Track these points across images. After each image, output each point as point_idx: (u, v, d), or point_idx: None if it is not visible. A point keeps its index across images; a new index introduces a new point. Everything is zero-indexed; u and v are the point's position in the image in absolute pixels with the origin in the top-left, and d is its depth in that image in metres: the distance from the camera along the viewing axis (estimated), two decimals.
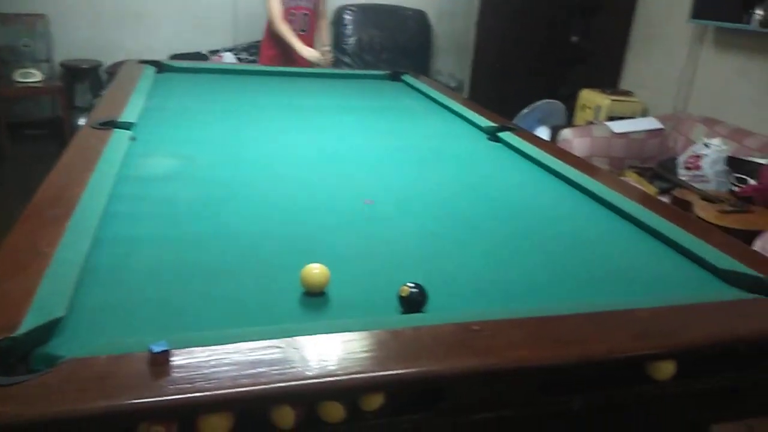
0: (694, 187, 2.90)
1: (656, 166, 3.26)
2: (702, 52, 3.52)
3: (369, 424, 0.92)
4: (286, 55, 3.75)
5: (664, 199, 2.93)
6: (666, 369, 1.05)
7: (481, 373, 0.94)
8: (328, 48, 3.77)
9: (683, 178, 3.01)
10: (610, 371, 1.06)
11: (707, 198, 2.75)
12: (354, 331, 0.97)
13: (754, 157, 2.95)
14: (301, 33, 3.76)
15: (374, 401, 0.91)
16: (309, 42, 3.79)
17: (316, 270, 1.14)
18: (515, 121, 4.24)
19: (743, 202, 2.72)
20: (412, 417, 0.95)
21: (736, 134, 3.14)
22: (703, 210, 2.62)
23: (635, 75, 4.05)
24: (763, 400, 1.21)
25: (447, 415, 0.96)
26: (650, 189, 3.10)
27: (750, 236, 2.36)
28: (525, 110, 4.10)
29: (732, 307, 1.16)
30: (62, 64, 4.53)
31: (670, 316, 1.10)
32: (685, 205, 2.71)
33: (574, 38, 4.69)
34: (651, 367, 1.05)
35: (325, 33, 3.93)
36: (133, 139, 1.96)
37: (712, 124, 3.28)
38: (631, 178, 3.27)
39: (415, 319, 1.06)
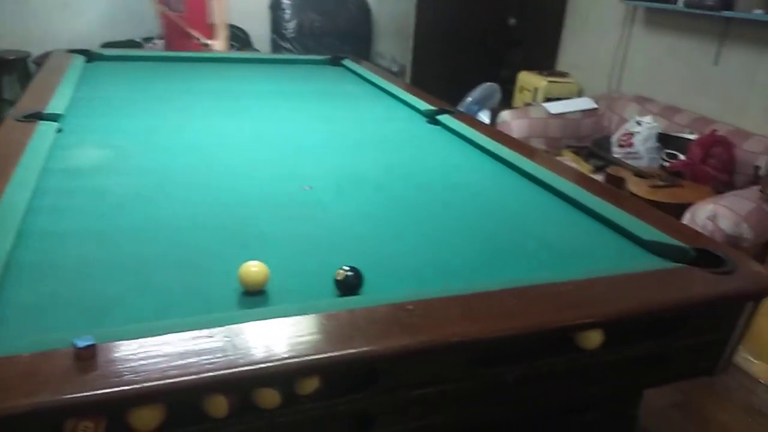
0: (627, 164, 3.00)
1: (591, 144, 3.35)
2: (633, 33, 3.62)
3: (305, 408, 0.92)
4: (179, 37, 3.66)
5: (599, 176, 3.01)
6: (594, 338, 1.09)
7: (414, 351, 0.95)
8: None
9: (617, 156, 3.11)
10: (540, 342, 1.09)
11: (640, 174, 2.85)
12: (287, 316, 0.97)
13: (683, 133, 3.07)
14: (179, 13, 3.65)
15: (309, 385, 0.91)
16: (198, 22, 3.66)
17: (254, 268, 1.11)
18: (460, 105, 4.28)
19: (674, 176, 2.83)
20: (350, 398, 0.96)
21: (666, 111, 3.26)
22: (635, 186, 2.71)
23: (571, 56, 4.14)
24: (689, 365, 1.28)
25: (384, 394, 0.97)
26: (585, 167, 3.19)
27: (681, 209, 2.46)
28: (468, 95, 4.14)
29: (655, 276, 1.21)
30: None
31: (595, 287, 1.15)
32: (619, 182, 2.80)
33: (512, 21, 4.75)
34: (579, 337, 1.09)
35: (218, 14, 3.77)
36: (59, 130, 1.89)
37: (644, 103, 3.39)
38: (568, 158, 3.35)
39: (350, 301, 1.06)
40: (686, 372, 1.30)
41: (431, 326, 0.99)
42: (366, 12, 5.05)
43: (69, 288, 1.08)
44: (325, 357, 0.89)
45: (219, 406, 0.87)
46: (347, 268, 1.13)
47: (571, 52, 4.14)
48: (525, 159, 1.89)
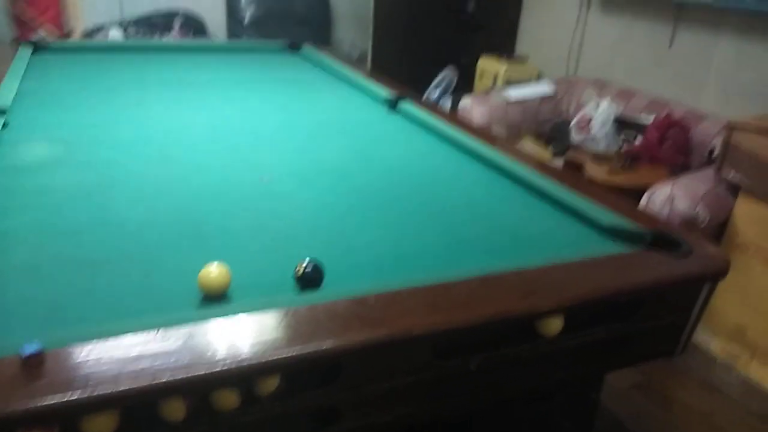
0: (586, 148, 3.03)
1: (550, 129, 3.38)
2: (589, 16, 3.65)
3: (266, 407, 0.91)
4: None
5: (559, 161, 3.04)
6: (554, 325, 1.09)
7: (376, 344, 0.94)
8: None
9: (575, 141, 3.14)
10: (503, 331, 1.09)
11: (598, 158, 2.88)
12: (245, 314, 0.94)
13: (640, 116, 3.11)
14: None
15: (269, 385, 0.89)
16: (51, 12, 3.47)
17: (213, 275, 1.05)
18: (428, 92, 4.26)
19: (631, 160, 2.87)
20: (312, 395, 0.94)
21: (623, 95, 3.29)
22: (594, 170, 2.74)
23: (530, 40, 4.16)
24: (650, 347, 1.30)
25: (348, 389, 0.96)
26: (545, 153, 3.21)
27: (639, 192, 2.49)
28: (434, 82, 4.13)
29: (612, 261, 1.22)
30: None
31: (555, 273, 1.15)
32: (578, 167, 2.83)
33: (471, 5, 4.74)
34: (540, 324, 1.09)
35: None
36: (4, 125, 1.81)
37: (601, 86, 3.43)
38: (529, 143, 3.37)
39: (310, 297, 1.04)
40: (647, 354, 1.32)
41: (393, 319, 0.97)
42: None
43: (13, 292, 1.03)
44: (285, 356, 0.87)
45: (176, 409, 0.84)
46: (307, 262, 1.11)
47: (529, 36, 4.16)
48: (484, 145, 1.88)
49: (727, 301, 2.37)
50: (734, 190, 2.30)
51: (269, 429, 0.94)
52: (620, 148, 2.97)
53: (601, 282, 1.14)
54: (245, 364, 0.84)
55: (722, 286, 2.35)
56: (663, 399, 2.19)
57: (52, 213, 1.32)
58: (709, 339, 2.45)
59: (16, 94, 2.12)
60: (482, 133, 2.08)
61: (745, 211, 2.26)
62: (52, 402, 0.76)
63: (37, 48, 2.90)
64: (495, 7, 4.54)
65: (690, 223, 2.26)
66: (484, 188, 1.67)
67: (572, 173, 1.75)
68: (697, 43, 3.06)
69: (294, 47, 3.40)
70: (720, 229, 2.36)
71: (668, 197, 2.27)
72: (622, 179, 2.70)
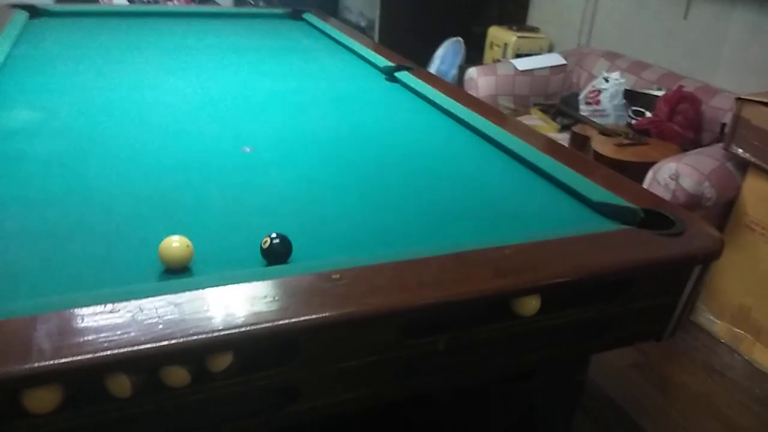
0: (594, 122, 2.94)
1: (559, 102, 3.28)
2: None
3: (219, 385, 0.87)
4: None
5: (566, 135, 2.96)
6: (530, 305, 1.05)
7: (336, 322, 0.90)
8: None
9: (584, 114, 3.05)
10: (476, 309, 1.05)
11: (605, 132, 2.79)
12: (202, 288, 0.91)
13: (651, 89, 3.01)
14: None
15: (222, 361, 0.86)
16: None
17: (175, 245, 1.01)
18: (431, 62, 4.17)
19: (640, 134, 2.77)
20: (269, 373, 0.91)
21: (635, 67, 3.18)
22: (600, 144, 2.66)
23: (542, 11, 4.03)
24: (636, 329, 1.24)
25: (307, 368, 0.92)
26: (553, 126, 3.13)
27: (646, 168, 2.41)
28: (438, 51, 4.03)
29: (596, 239, 1.16)
30: None
31: (534, 251, 1.10)
32: (584, 140, 2.75)
33: None
34: (515, 303, 1.04)
35: None
36: None
37: (613, 58, 3.31)
38: (536, 115, 3.28)
39: (273, 271, 1.01)
40: (633, 336, 1.27)
41: (357, 296, 0.93)
42: None
43: None
44: (236, 332, 0.83)
45: (121, 385, 0.81)
46: (275, 235, 1.07)
47: (542, 6, 4.03)
48: (480, 118, 1.82)
49: (732, 281, 2.31)
50: (743, 167, 2.22)
51: (223, 408, 0.91)
52: (629, 122, 2.87)
53: (581, 261, 1.09)
54: (192, 340, 0.81)
55: (727, 266, 2.30)
56: (661, 380, 2.14)
57: (21, 182, 1.29)
58: (712, 320, 2.39)
59: (6, 58, 2.08)
60: (479, 104, 2.01)
61: (753, 189, 2.18)
62: None
63: (35, 12, 2.86)
64: None
65: (696, 200, 2.19)
66: (477, 162, 1.61)
67: (568, 148, 1.68)
68: (712, 14, 2.93)
69: (296, 15, 3.32)
70: (727, 207, 2.28)
71: (673, 174, 2.19)
72: (629, 154, 2.61)
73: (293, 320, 0.87)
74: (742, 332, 2.29)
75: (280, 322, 0.86)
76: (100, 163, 1.40)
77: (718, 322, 2.37)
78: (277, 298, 0.91)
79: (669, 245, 1.16)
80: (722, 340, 2.35)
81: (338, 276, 0.97)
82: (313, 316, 0.88)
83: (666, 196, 2.21)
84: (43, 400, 0.78)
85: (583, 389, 1.46)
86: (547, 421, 1.46)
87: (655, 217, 1.27)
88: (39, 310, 0.83)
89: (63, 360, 0.76)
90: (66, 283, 0.96)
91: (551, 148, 1.65)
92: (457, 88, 2.17)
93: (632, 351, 2.23)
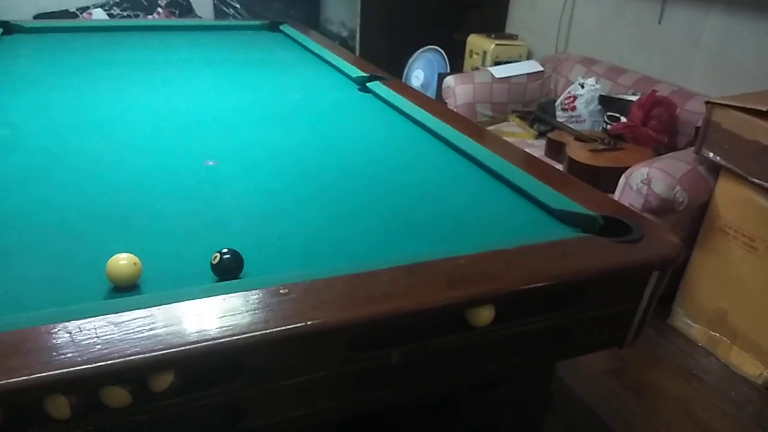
0: (570, 128, 2.95)
1: (536, 108, 3.29)
2: None
3: (160, 405, 0.86)
4: None
5: (543, 141, 2.97)
6: (483, 315, 1.04)
7: (281, 338, 0.89)
8: None
9: (560, 120, 3.06)
10: (428, 322, 1.04)
11: (581, 138, 2.80)
12: (144, 307, 0.90)
13: (627, 94, 3.02)
14: None
15: (163, 381, 0.85)
16: None
17: (122, 263, 1.01)
18: (405, 70, 4.18)
19: (615, 139, 2.78)
20: (212, 391, 0.90)
21: (611, 72, 3.20)
22: (575, 150, 2.66)
23: (520, 18, 4.05)
24: (596, 336, 1.24)
25: (252, 385, 0.92)
26: (530, 132, 3.13)
27: (621, 173, 2.42)
28: (411, 59, 4.04)
29: (553, 247, 1.16)
30: None
31: (488, 261, 1.09)
32: (560, 147, 2.75)
33: None
34: (469, 314, 1.04)
35: None
36: None
37: (590, 64, 3.33)
38: (514, 122, 3.29)
39: (223, 287, 1.00)
40: (594, 344, 1.27)
41: (303, 310, 0.92)
42: None
43: None
44: (175, 350, 0.82)
45: (60, 407, 0.80)
46: (225, 250, 1.06)
47: (519, 13, 4.05)
48: (447, 127, 1.82)
49: (708, 285, 2.31)
50: (715, 170, 2.23)
51: (168, 428, 0.90)
52: (605, 127, 2.88)
53: (534, 270, 1.08)
54: (131, 359, 0.80)
55: (702, 270, 2.31)
56: (638, 385, 2.14)
57: None
58: (689, 324, 2.39)
59: None
60: (448, 113, 2.01)
61: (725, 193, 2.18)
62: None
63: (9, 29, 2.85)
64: None
65: (668, 205, 2.19)
66: (442, 172, 1.61)
67: (535, 157, 1.68)
68: (686, 19, 2.95)
69: (274, 26, 3.33)
70: (701, 211, 2.28)
71: (645, 179, 2.20)
72: (604, 160, 2.62)
73: (235, 337, 0.86)
74: (719, 336, 2.29)
75: (222, 340, 0.85)
76: (60, 181, 1.39)
77: (695, 325, 2.37)
78: (221, 315, 0.90)
79: (624, 252, 1.16)
80: (699, 344, 2.35)
81: (286, 291, 0.96)
82: (257, 333, 0.88)
83: (638, 200, 2.22)
84: None
85: (551, 398, 1.45)
86: (515, 431, 1.45)
87: (615, 224, 1.27)
88: None
89: None
90: (9, 304, 0.95)
91: (517, 157, 1.65)
92: (427, 98, 2.17)
93: (608, 356, 2.22)
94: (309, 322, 0.91)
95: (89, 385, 0.81)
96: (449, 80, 3.34)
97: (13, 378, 0.76)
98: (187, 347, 0.84)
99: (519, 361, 1.18)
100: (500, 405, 1.37)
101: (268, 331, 0.88)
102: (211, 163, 1.55)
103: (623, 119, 2.82)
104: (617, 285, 1.18)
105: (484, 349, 1.11)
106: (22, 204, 1.28)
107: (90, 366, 0.79)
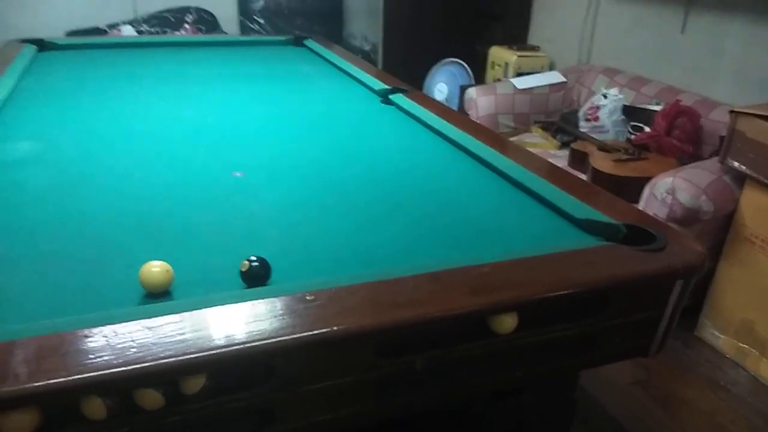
0: (593, 138, 2.94)
1: (559, 119, 3.29)
2: (601, 3, 3.54)
3: (191, 408, 0.89)
4: None
5: (566, 152, 2.97)
6: (506, 322, 1.05)
7: (307, 343, 0.91)
8: None
9: (583, 130, 3.05)
10: (453, 328, 1.06)
11: (604, 148, 2.79)
12: (177, 312, 0.93)
13: (650, 104, 3.01)
14: None
15: (194, 384, 0.87)
16: None
17: (155, 269, 1.04)
18: (426, 83, 4.21)
19: (639, 149, 2.77)
20: (243, 395, 0.92)
21: (634, 82, 3.19)
22: (598, 160, 2.66)
23: (541, 29, 4.06)
24: (620, 345, 1.24)
25: (281, 389, 0.94)
26: (553, 143, 3.14)
27: (645, 183, 2.41)
28: (432, 72, 4.08)
29: (576, 255, 1.17)
30: None
31: (511, 269, 1.10)
32: (583, 157, 2.75)
33: None
34: (492, 321, 1.05)
35: None
36: None
37: (612, 74, 3.33)
38: (537, 133, 3.29)
39: (251, 293, 1.02)
40: (618, 353, 1.26)
41: (329, 316, 0.95)
42: None
43: None
44: (206, 354, 0.85)
45: (96, 408, 0.83)
46: (254, 258, 1.09)
47: (542, 24, 4.06)
48: (470, 137, 1.84)
49: (735, 295, 2.28)
50: (740, 180, 2.21)
51: (201, 429, 0.92)
52: (628, 137, 2.87)
53: (557, 278, 1.09)
54: (164, 362, 0.83)
55: (729, 281, 2.28)
56: (665, 397, 2.12)
57: (14, 211, 1.32)
58: (716, 335, 2.36)
59: (11, 91, 2.15)
60: (470, 124, 2.03)
61: (751, 202, 2.16)
62: None
63: (43, 46, 2.94)
64: None
65: (693, 215, 2.18)
66: (465, 181, 1.62)
67: (556, 166, 1.69)
68: (710, 28, 2.94)
69: (298, 41, 3.38)
70: (726, 221, 2.26)
71: (670, 188, 2.19)
72: (628, 170, 2.61)
73: (264, 342, 0.89)
74: (747, 347, 2.26)
75: (251, 344, 0.88)
76: (93, 192, 1.44)
77: (723, 337, 2.34)
78: (249, 321, 0.92)
79: (648, 260, 1.16)
80: (727, 355, 2.32)
81: (312, 297, 0.99)
82: (284, 338, 0.90)
83: (663, 210, 2.21)
84: (20, 423, 0.80)
85: (576, 406, 1.45)
86: None
87: (638, 232, 1.27)
88: (17, 336, 0.86)
89: (38, 384, 0.79)
90: (49, 309, 0.98)
91: (539, 166, 1.66)
92: (449, 109, 2.19)
93: (635, 367, 2.21)
94: (334, 328, 0.93)
95: (124, 387, 0.84)
96: (471, 92, 3.36)
97: (52, 379, 0.79)
98: (218, 351, 0.86)
99: (543, 369, 1.18)
100: (525, 413, 1.37)
101: (295, 336, 0.90)
102: (238, 174, 1.59)
103: (647, 129, 2.81)
104: (641, 293, 1.18)
105: (508, 357, 1.12)
106: (59, 214, 1.32)
107: (125, 368, 0.82)
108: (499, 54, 3.97)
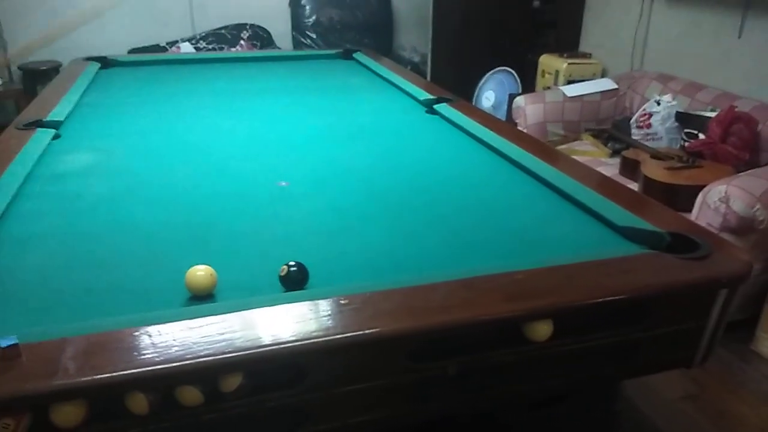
0: (646, 146, 2.88)
1: (611, 126, 3.23)
2: (654, 9, 3.47)
3: (231, 405, 0.93)
4: None
5: (616, 160, 2.91)
6: (541, 330, 1.05)
7: (341, 345, 0.94)
8: None
9: (636, 137, 2.99)
10: (487, 335, 1.06)
11: (657, 156, 2.72)
12: (217, 314, 0.97)
13: (706, 110, 2.92)
14: None
15: (232, 382, 0.91)
16: None
17: (200, 273, 1.09)
18: (476, 92, 4.21)
19: (694, 157, 2.70)
20: (278, 395, 0.95)
21: (689, 89, 3.11)
22: (651, 168, 2.59)
23: (593, 36, 4.00)
24: (662, 355, 1.22)
25: (314, 390, 0.97)
26: (604, 150, 3.08)
27: (699, 191, 2.34)
28: (481, 81, 4.07)
29: (614, 263, 1.16)
30: (20, 68, 4.50)
31: (547, 276, 1.10)
32: (635, 165, 2.69)
33: (536, 2, 4.63)
34: (527, 328, 1.05)
35: None
36: (57, 137, 1.96)
37: (666, 81, 3.25)
38: (587, 141, 3.24)
39: (289, 297, 1.06)
40: (659, 363, 1.24)
41: (362, 320, 0.97)
42: (386, 4, 5.02)
43: (20, 288, 1.11)
44: (242, 353, 0.89)
45: (139, 403, 0.88)
46: (292, 263, 1.13)
47: (593, 32, 4.00)
48: (513, 146, 1.84)
49: None
50: None
51: (236, 428, 0.96)
52: (682, 144, 2.80)
53: (593, 285, 1.08)
54: (203, 360, 0.87)
55: None
56: (717, 413, 2.04)
57: (73, 218, 1.41)
58: None
59: (75, 107, 2.28)
60: (514, 133, 2.03)
61: None
62: (21, 390, 0.82)
63: (106, 63, 3.10)
64: (560, 3, 4.41)
65: (747, 223, 2.10)
66: (506, 191, 1.63)
67: (599, 173, 1.67)
68: (767, 33, 2.84)
69: (347, 54, 3.44)
70: None
71: (723, 196, 2.12)
72: (681, 178, 2.54)
73: (299, 343, 0.92)
74: None
75: (286, 345, 0.91)
76: (146, 200, 1.51)
77: None
78: (285, 322, 0.96)
79: (689, 269, 1.14)
80: None
81: (347, 301, 1.01)
82: (318, 339, 0.93)
83: (717, 219, 2.14)
84: (68, 415, 0.86)
85: (619, 419, 1.43)
86: None
87: (683, 241, 1.24)
88: (68, 333, 0.92)
89: (84, 378, 0.84)
90: (101, 309, 1.05)
91: (584, 174, 1.65)
92: (493, 118, 2.19)
93: (685, 381, 2.14)
94: (367, 331, 0.95)
95: (166, 383, 0.88)
96: (519, 100, 3.34)
97: (98, 375, 0.84)
98: (255, 350, 0.90)
99: (580, 378, 1.17)
100: (561, 423, 1.36)
101: (329, 338, 0.93)
102: (283, 183, 1.63)
103: (701, 136, 2.73)
104: (683, 302, 1.16)
105: (543, 365, 1.11)
106: (112, 221, 1.40)
107: (167, 366, 0.86)
108: (549, 62, 3.94)
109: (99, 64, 3.04)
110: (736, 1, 2.96)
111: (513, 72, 4.16)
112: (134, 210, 1.46)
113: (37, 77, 4.51)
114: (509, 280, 1.09)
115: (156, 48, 4.56)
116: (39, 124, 2.03)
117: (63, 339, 0.90)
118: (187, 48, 4.45)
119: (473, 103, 3.92)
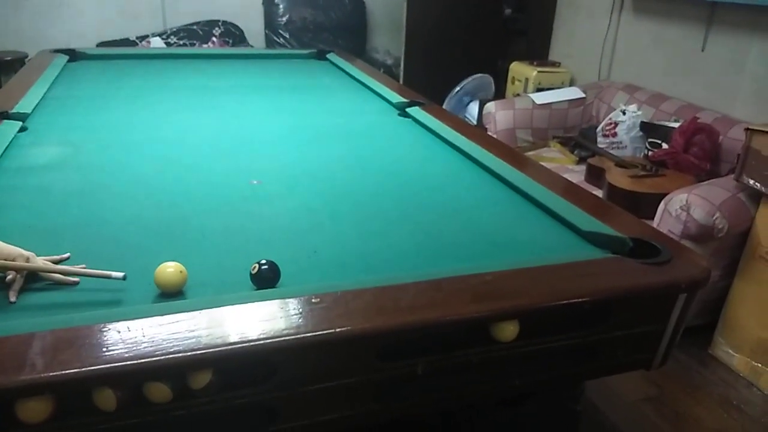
0: (611, 154, 2.95)
1: (577, 135, 3.30)
2: (622, 20, 3.56)
3: (200, 402, 0.93)
4: None
5: (582, 167, 2.97)
6: (507, 330, 1.07)
7: (310, 343, 0.94)
8: None
9: (602, 146, 3.06)
10: (454, 335, 1.08)
11: (622, 164, 2.80)
12: (186, 311, 0.97)
13: (670, 121, 3.01)
14: None
15: (201, 379, 0.91)
16: None
17: (169, 270, 1.09)
18: (448, 98, 4.25)
19: (657, 166, 2.77)
20: (247, 392, 0.96)
21: (654, 99, 3.19)
22: (615, 176, 2.66)
23: (563, 45, 4.09)
24: (622, 357, 1.25)
25: (284, 388, 0.97)
26: (571, 158, 3.15)
27: (661, 199, 2.41)
28: (456, 88, 4.12)
29: (579, 267, 1.19)
30: None
31: (514, 278, 1.13)
32: (600, 172, 2.76)
33: (507, 11, 4.70)
34: (493, 329, 1.07)
35: None
36: (23, 129, 1.92)
37: (632, 91, 3.33)
38: (555, 148, 3.31)
39: (260, 295, 1.06)
40: (619, 365, 1.27)
41: (332, 318, 0.98)
42: (360, 5, 5.04)
43: None
44: (211, 350, 0.89)
45: (107, 399, 0.87)
46: (263, 261, 1.13)
47: (563, 40, 4.09)
48: (482, 150, 1.87)
49: (750, 314, 2.27)
50: (756, 198, 2.20)
51: (205, 426, 0.96)
52: (646, 153, 2.87)
53: (558, 287, 1.11)
54: (172, 357, 0.87)
55: (744, 299, 2.27)
56: (675, 414, 2.10)
57: (40, 213, 1.38)
58: (731, 354, 2.34)
59: (42, 99, 2.24)
60: (483, 137, 2.06)
61: (766, 220, 2.15)
62: None
63: (74, 56, 3.05)
64: (532, 12, 4.49)
65: (708, 231, 2.17)
66: (475, 193, 1.65)
67: (564, 180, 1.71)
68: (731, 46, 2.94)
69: (321, 55, 3.45)
70: (741, 239, 2.25)
71: (685, 205, 2.19)
72: (645, 186, 2.61)
73: (269, 340, 0.93)
74: (761, 366, 2.24)
75: (256, 342, 0.92)
76: (115, 196, 1.50)
77: (737, 355, 2.32)
78: (256, 320, 0.96)
79: (650, 273, 1.18)
80: (741, 374, 2.30)
81: (318, 300, 1.02)
82: (289, 337, 0.94)
83: (677, 227, 2.21)
84: (34, 411, 0.85)
85: (580, 419, 1.46)
86: None
87: (644, 246, 1.29)
88: (36, 328, 0.91)
89: (52, 373, 0.83)
90: (64, 304, 1.04)
91: (550, 180, 1.69)
92: (463, 122, 2.23)
93: (645, 384, 2.20)
94: (337, 329, 0.96)
95: (134, 379, 0.88)
96: (490, 106, 3.39)
97: (66, 370, 0.84)
98: (225, 348, 0.90)
99: (544, 378, 1.20)
100: (525, 422, 1.39)
101: (299, 336, 0.94)
102: (255, 182, 1.63)
103: (665, 146, 2.81)
104: (643, 306, 1.19)
105: (509, 364, 1.14)
106: (80, 216, 1.38)
107: (136, 362, 0.86)
108: (519, 69, 4.00)
109: (67, 57, 2.99)
110: (700, 15, 3.05)
111: (490, 79, 4.21)
112: (103, 205, 1.44)
113: (2, 68, 4.41)
114: (478, 281, 1.11)
115: (126, 42, 4.50)
116: (4, 115, 1.99)
117: (31, 334, 0.89)
118: (157, 43, 4.40)
119: (445, 107, 3.96)
